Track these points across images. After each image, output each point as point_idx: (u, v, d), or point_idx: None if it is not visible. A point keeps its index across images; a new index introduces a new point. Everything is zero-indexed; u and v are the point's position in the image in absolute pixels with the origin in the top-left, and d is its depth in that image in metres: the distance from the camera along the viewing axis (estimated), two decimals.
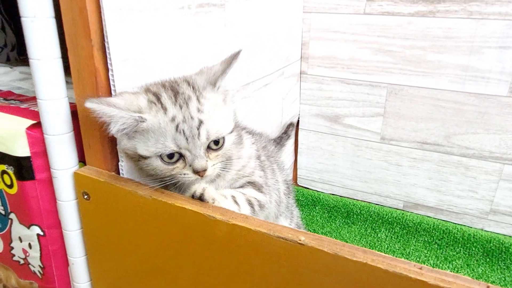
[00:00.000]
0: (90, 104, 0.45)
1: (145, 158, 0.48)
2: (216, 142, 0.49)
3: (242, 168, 0.56)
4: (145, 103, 0.47)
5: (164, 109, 0.47)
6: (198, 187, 0.48)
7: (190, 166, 0.47)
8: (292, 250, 0.40)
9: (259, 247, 0.41)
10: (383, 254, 0.37)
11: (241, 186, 0.57)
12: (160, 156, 0.47)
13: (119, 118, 0.45)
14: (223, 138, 0.50)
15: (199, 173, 0.47)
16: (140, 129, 0.47)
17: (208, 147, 0.49)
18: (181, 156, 0.47)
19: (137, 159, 0.49)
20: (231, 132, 0.51)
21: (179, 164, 0.48)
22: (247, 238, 0.42)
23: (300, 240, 0.39)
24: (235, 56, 0.51)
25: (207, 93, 0.49)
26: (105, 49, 0.47)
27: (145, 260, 0.51)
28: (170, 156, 0.47)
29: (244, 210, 0.53)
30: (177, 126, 0.46)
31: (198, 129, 0.46)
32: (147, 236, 0.49)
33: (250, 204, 0.54)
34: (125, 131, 0.47)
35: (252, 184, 0.57)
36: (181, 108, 0.47)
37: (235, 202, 0.51)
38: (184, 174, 0.48)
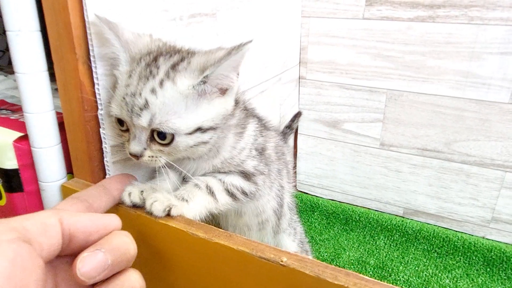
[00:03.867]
0: (96, 19, 0.44)
1: (111, 105, 0.46)
2: (162, 136, 0.43)
3: (230, 159, 0.52)
4: (133, 56, 0.45)
5: (131, 72, 0.44)
6: (156, 205, 0.44)
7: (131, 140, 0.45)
8: (274, 271, 0.39)
9: (241, 267, 0.41)
10: (365, 277, 0.36)
11: (226, 172, 0.52)
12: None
13: (110, 46, 0.45)
14: (172, 136, 0.43)
15: (132, 155, 0.44)
16: (116, 69, 0.46)
17: (153, 137, 0.44)
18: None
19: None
20: (192, 133, 0.44)
21: (126, 135, 0.46)
22: (229, 257, 0.41)
23: (282, 261, 0.38)
24: (240, 46, 0.42)
25: (183, 79, 0.43)
26: (90, 62, 0.47)
27: None
28: (120, 122, 0.46)
29: (222, 200, 0.49)
30: (124, 96, 0.43)
31: (141, 109, 0.42)
32: None
33: (230, 192, 0.50)
34: (110, 61, 0.47)
35: (240, 172, 0.53)
36: (139, 80, 0.43)
37: (210, 193, 0.48)
38: (125, 148, 0.46)
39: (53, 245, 0.30)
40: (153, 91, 0.42)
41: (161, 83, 0.43)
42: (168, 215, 0.44)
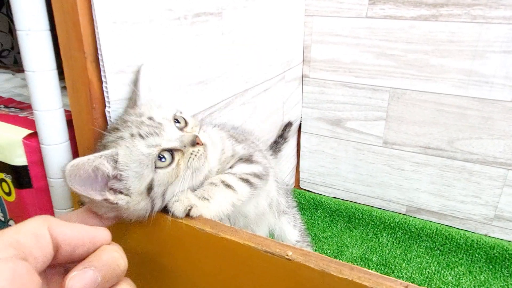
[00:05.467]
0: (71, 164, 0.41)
1: (152, 185, 0.44)
2: (179, 120, 0.50)
3: (222, 154, 0.54)
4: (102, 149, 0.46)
5: (121, 138, 0.45)
6: (180, 207, 0.45)
7: (185, 146, 0.46)
8: (279, 265, 0.40)
9: (247, 261, 0.42)
10: (370, 271, 0.37)
11: (231, 167, 0.54)
12: (155, 169, 0.44)
13: (99, 164, 0.42)
14: (181, 113, 0.50)
15: (197, 143, 0.46)
16: (120, 171, 0.44)
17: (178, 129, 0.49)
18: (170, 150, 0.45)
19: (146, 196, 0.44)
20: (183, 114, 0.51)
21: (177, 156, 0.46)
22: (236, 252, 0.42)
23: (287, 255, 0.39)
24: (138, 73, 0.51)
25: (134, 108, 0.49)
26: (98, 61, 0.48)
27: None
28: (161, 158, 0.45)
29: (241, 190, 0.50)
30: (139, 134, 0.45)
31: (152, 120, 0.47)
32: (139, 246, 0.50)
33: (245, 180, 0.51)
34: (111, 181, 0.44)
35: (240, 160, 0.55)
36: (129, 129, 0.46)
37: (227, 186, 0.49)
38: (191, 154, 0.46)
39: (46, 256, 0.30)
40: (139, 115, 0.48)
41: (133, 113, 0.49)
42: (188, 215, 0.45)
